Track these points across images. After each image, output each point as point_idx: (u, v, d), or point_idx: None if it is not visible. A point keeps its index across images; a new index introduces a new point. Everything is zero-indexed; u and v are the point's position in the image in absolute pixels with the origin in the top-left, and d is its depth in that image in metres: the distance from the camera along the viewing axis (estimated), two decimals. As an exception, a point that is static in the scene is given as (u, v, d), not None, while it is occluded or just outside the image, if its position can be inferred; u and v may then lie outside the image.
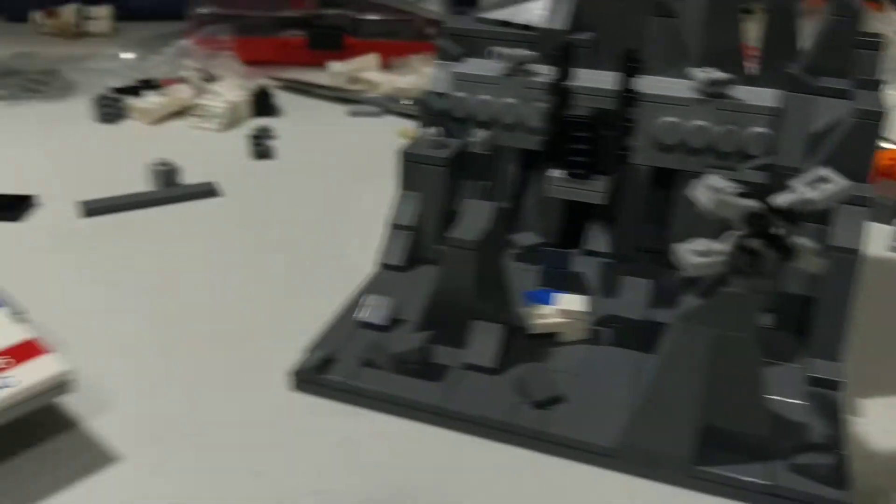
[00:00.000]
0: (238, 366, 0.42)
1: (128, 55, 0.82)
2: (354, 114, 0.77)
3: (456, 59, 0.50)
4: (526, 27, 0.50)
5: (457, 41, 0.51)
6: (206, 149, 0.68)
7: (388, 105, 0.77)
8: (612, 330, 0.43)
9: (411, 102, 0.76)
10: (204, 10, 0.85)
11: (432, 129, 0.48)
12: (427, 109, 0.50)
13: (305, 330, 0.42)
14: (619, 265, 0.48)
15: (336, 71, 0.83)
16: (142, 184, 0.60)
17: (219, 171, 0.63)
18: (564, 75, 0.43)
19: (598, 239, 0.50)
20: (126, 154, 0.67)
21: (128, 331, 0.44)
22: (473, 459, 0.36)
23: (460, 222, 0.40)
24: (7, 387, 0.33)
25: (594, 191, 0.44)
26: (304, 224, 0.57)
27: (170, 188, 0.60)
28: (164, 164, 0.60)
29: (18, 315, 0.38)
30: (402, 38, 0.88)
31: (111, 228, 0.55)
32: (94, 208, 0.56)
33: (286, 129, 0.71)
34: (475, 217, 0.40)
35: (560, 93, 0.44)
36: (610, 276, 0.47)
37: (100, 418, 0.37)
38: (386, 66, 0.86)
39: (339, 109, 0.78)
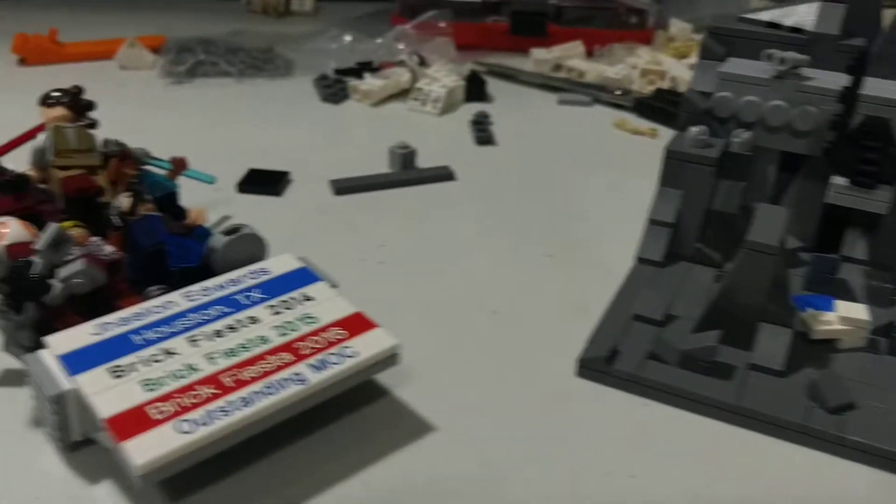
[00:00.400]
0: (520, 347, 0.44)
1: (346, 37, 0.85)
2: (563, 102, 0.78)
3: (720, 58, 0.51)
4: (796, 30, 0.50)
5: (720, 41, 0.51)
6: (428, 132, 0.71)
7: (598, 95, 0.78)
8: (890, 339, 0.43)
9: (621, 93, 0.77)
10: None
11: (696, 128, 0.49)
12: (690, 107, 0.51)
13: (572, 316, 0.45)
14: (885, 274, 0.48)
15: (540, 58, 0.84)
16: (378, 163, 0.63)
17: (446, 154, 0.65)
18: (857, 83, 0.43)
19: (855, 245, 0.50)
20: (355, 133, 0.70)
21: (403, 304, 0.47)
22: (770, 459, 0.37)
23: (755, 226, 0.41)
24: (350, 357, 0.36)
25: (879, 200, 0.44)
26: (542, 212, 0.58)
27: (409, 170, 0.62)
28: (404, 146, 0.63)
29: (334, 287, 0.41)
30: (603, 26, 0.89)
31: (361, 206, 0.58)
32: (343, 187, 0.60)
33: (499, 115, 0.73)
34: (768, 221, 0.41)
35: (848, 100, 0.44)
36: (882, 285, 0.47)
37: (405, 389, 0.40)
38: (587, 54, 0.87)
39: (547, 97, 0.79)
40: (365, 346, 0.37)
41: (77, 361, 0.34)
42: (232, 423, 0.32)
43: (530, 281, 0.50)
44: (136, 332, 0.36)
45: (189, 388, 0.33)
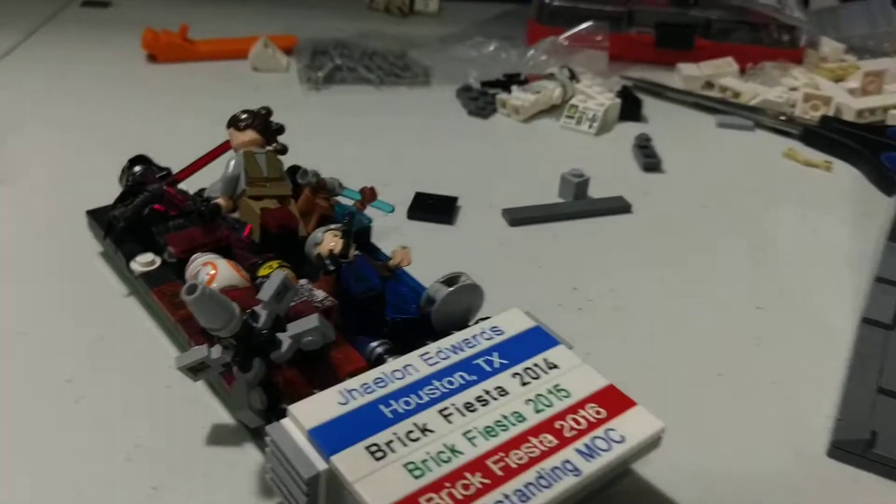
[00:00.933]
0: (754, 418, 0.40)
1: (490, 46, 0.82)
2: (723, 125, 0.73)
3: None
4: None
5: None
6: (587, 154, 0.67)
7: (758, 119, 0.73)
8: None
9: (785, 118, 0.72)
10: (556, 2, 0.84)
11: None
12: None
13: (802, 381, 0.41)
14: None
15: (689, 74, 0.80)
16: (542, 188, 0.60)
17: (613, 181, 0.62)
18: None
19: None
20: (511, 153, 0.67)
21: (616, 362, 0.44)
22: None
23: None
24: (617, 442, 0.33)
25: None
26: (735, 252, 0.54)
27: (582, 200, 0.59)
28: (578, 174, 0.59)
29: (570, 349, 0.38)
30: (754, 43, 0.84)
31: (540, 240, 0.55)
32: (519, 218, 0.56)
33: (657, 137, 0.69)
34: None
35: None
36: None
37: (645, 464, 0.37)
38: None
39: (703, 118, 0.75)
40: (630, 429, 0.33)
41: (330, 437, 0.31)
42: (514, 522, 0.29)
43: (747, 338, 0.46)
44: (383, 401, 0.33)
45: (458, 474, 0.30)
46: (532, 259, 0.52)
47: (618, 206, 0.58)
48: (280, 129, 0.48)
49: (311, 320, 0.35)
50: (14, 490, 0.34)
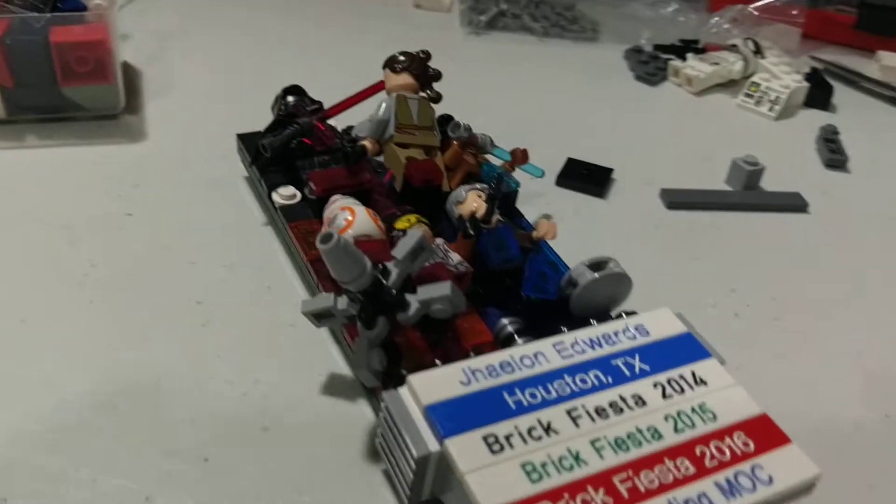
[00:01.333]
0: None
1: (670, 7, 0.76)
2: (926, 127, 0.65)
3: None
4: None
5: None
6: (763, 140, 0.61)
7: (969, 124, 0.64)
8: None
9: None
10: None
11: None
12: None
13: None
14: None
15: (890, 64, 0.71)
16: (708, 171, 0.55)
17: (789, 174, 0.56)
18: None
19: None
20: (678, 127, 0.62)
21: (770, 380, 0.39)
22: None
23: None
24: (763, 482, 0.29)
25: None
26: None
27: (752, 191, 0.53)
28: (752, 162, 0.53)
29: (723, 364, 0.34)
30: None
31: (699, 229, 0.50)
32: (678, 202, 0.52)
33: (845, 130, 0.62)
34: None
35: None
36: None
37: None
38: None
39: (899, 115, 0.67)
40: (780, 470, 0.29)
41: (448, 418, 0.29)
42: (635, 552, 0.26)
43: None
44: (508, 388, 0.31)
45: (579, 486, 0.28)
46: (688, 249, 0.48)
47: (793, 204, 0.53)
48: (437, 76, 0.45)
49: (444, 287, 0.33)
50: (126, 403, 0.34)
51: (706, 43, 0.71)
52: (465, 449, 0.28)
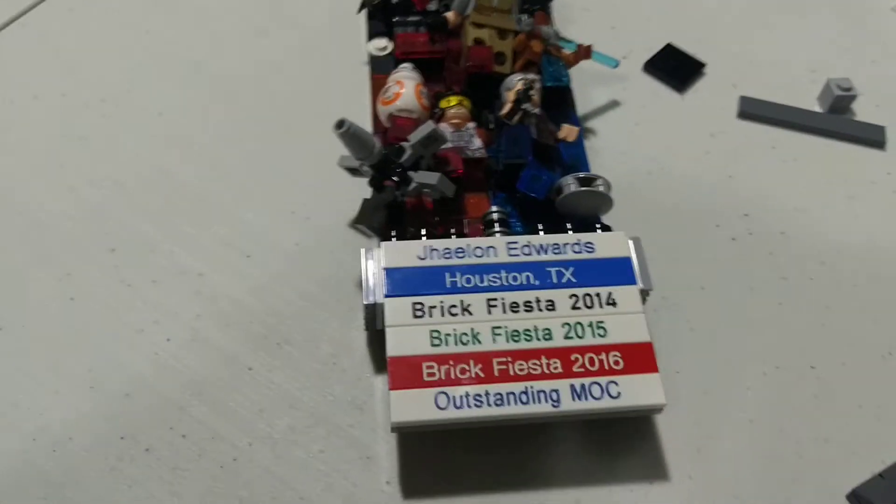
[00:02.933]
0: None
1: None
2: None
3: None
4: None
5: None
6: (890, 55, 0.58)
7: None
8: None
9: None
10: None
11: None
12: None
13: None
14: None
15: None
16: (806, 84, 0.55)
17: (888, 105, 0.54)
18: None
19: None
20: (787, 20, 0.59)
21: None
22: None
23: None
24: (611, 397, 0.37)
25: None
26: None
27: (838, 115, 0.53)
28: (846, 87, 0.53)
29: (647, 294, 0.40)
30: None
31: (757, 146, 0.52)
32: (752, 113, 0.53)
33: None
34: None
35: None
36: None
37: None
38: None
39: None
40: (631, 391, 0.37)
41: (394, 282, 0.39)
42: (480, 415, 0.36)
43: None
44: (451, 270, 0.40)
45: (463, 358, 0.37)
46: (731, 166, 0.51)
47: (869, 138, 0.53)
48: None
49: (434, 177, 0.41)
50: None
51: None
52: (396, 309, 0.38)
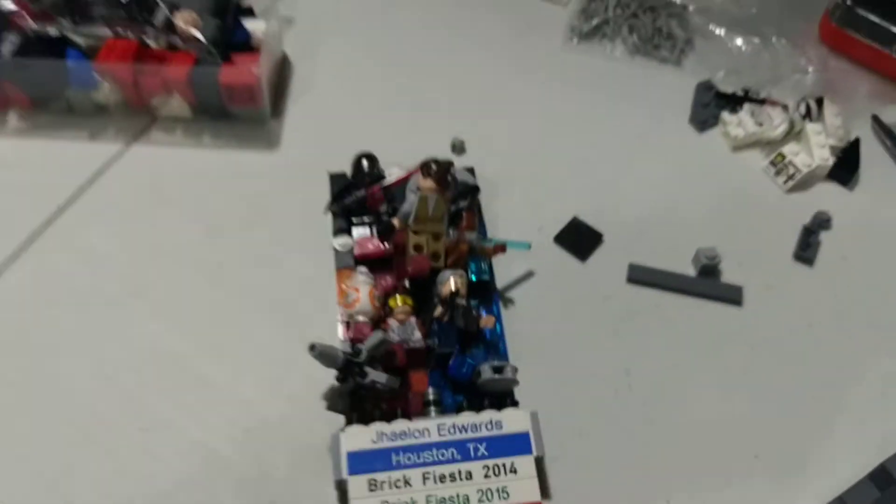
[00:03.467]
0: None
1: (754, 39, 0.81)
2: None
3: None
4: None
5: None
6: (765, 215, 0.72)
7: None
8: None
9: None
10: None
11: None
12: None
13: None
14: None
15: (948, 141, 0.76)
16: (691, 243, 0.69)
17: (760, 258, 0.69)
18: None
19: None
20: (697, 188, 0.73)
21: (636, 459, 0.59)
22: None
23: None
24: (511, 546, 0.52)
25: None
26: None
27: (706, 278, 0.68)
28: (712, 256, 0.67)
29: (540, 458, 0.55)
30: None
31: (642, 307, 0.66)
32: (638, 278, 0.68)
33: (857, 211, 0.72)
34: None
35: None
36: None
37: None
38: None
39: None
40: (524, 541, 0.52)
41: (356, 462, 0.54)
42: (417, 566, 0.51)
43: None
44: (396, 451, 0.54)
45: (405, 522, 0.52)
46: (618, 326, 0.65)
47: (728, 296, 0.67)
48: (464, 189, 0.64)
49: (383, 376, 0.56)
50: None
51: (767, 97, 0.78)
52: (357, 484, 0.53)
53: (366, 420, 0.56)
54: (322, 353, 0.54)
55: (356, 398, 0.57)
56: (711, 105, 0.78)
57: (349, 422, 0.56)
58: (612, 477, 0.58)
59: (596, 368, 0.63)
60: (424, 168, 0.63)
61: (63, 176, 0.71)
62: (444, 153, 0.72)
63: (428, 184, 0.63)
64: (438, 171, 0.63)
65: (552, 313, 0.66)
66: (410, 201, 0.63)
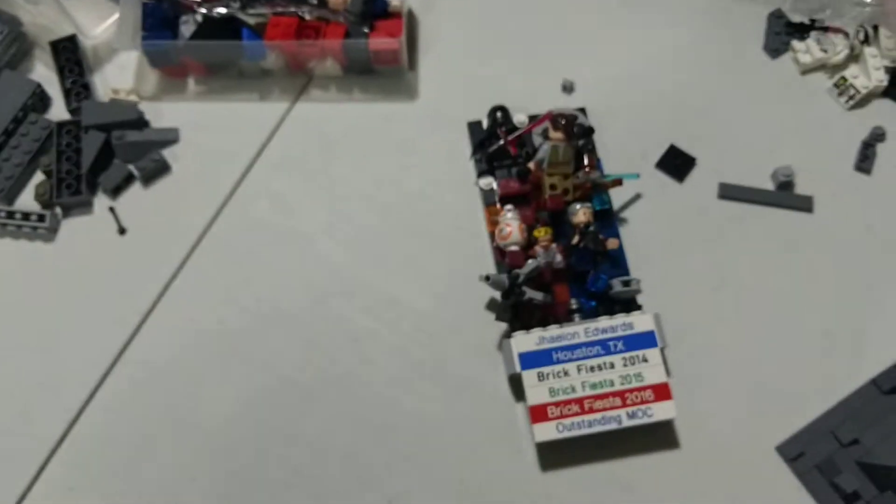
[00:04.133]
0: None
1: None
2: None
3: None
4: None
5: None
6: (827, 132, 0.86)
7: None
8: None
9: None
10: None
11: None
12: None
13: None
14: None
15: None
16: (776, 159, 0.83)
17: (822, 170, 0.83)
18: None
19: None
20: (770, 108, 0.87)
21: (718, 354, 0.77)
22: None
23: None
24: (648, 416, 0.70)
25: None
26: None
27: (783, 191, 0.83)
28: (787, 173, 0.82)
29: (664, 349, 0.73)
30: None
31: (730, 219, 0.82)
32: (728, 194, 0.83)
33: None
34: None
35: None
36: None
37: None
38: None
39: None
40: (659, 412, 0.71)
41: (526, 360, 0.72)
42: (582, 433, 0.70)
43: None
44: (556, 350, 0.72)
45: (569, 402, 0.71)
46: (713, 236, 0.81)
47: (798, 202, 0.82)
48: (581, 134, 0.78)
49: (537, 294, 0.73)
50: (403, 301, 0.80)
51: (829, 23, 0.89)
52: (529, 377, 0.71)
53: (526, 327, 0.74)
54: (494, 282, 0.72)
55: (517, 310, 0.75)
56: (782, 33, 0.90)
57: (513, 329, 0.74)
58: (716, 357, 0.76)
59: (696, 271, 0.80)
60: (554, 121, 0.77)
61: (247, 134, 0.86)
62: (557, 93, 0.86)
63: (558, 135, 0.77)
64: (566, 124, 0.77)
65: (659, 228, 0.82)
66: (544, 149, 0.77)
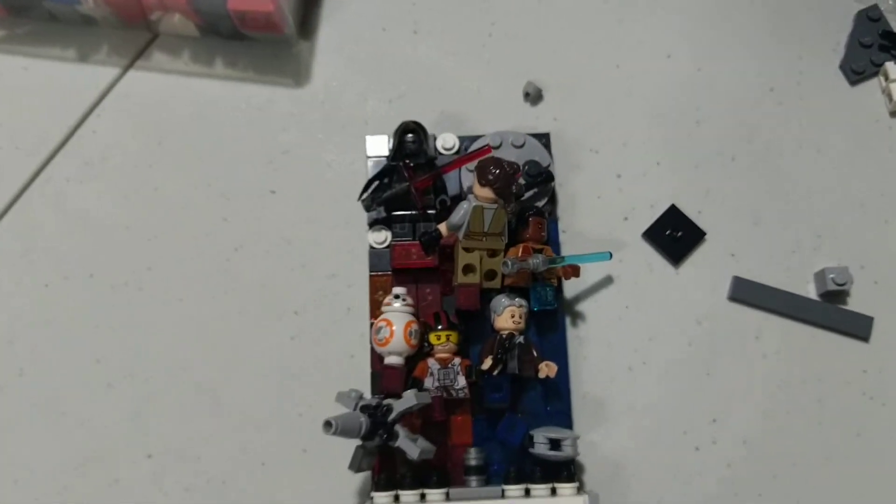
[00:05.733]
0: None
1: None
2: None
3: None
4: None
5: None
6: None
7: None
8: None
9: None
10: None
11: None
12: None
13: None
14: None
15: None
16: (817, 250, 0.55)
17: (886, 281, 0.55)
18: None
19: None
20: (837, 162, 0.57)
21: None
22: None
23: None
24: None
25: None
26: None
27: (830, 304, 0.54)
28: (842, 281, 0.53)
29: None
30: None
31: (743, 334, 0.54)
32: (741, 297, 0.54)
33: None
34: None
35: None
36: None
37: None
38: None
39: None
40: None
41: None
42: None
43: None
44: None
45: None
46: (713, 358, 0.53)
47: (856, 328, 0.54)
48: (518, 196, 0.49)
49: (413, 448, 0.46)
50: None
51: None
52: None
53: (394, 483, 0.48)
54: (342, 430, 0.45)
55: (384, 454, 0.49)
56: (874, 46, 0.59)
57: (377, 485, 0.48)
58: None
59: (677, 421, 0.52)
60: (482, 172, 0.49)
61: (50, 110, 0.58)
62: (516, 98, 0.57)
63: (485, 193, 0.49)
64: (500, 179, 0.48)
65: (631, 338, 0.54)
66: (463, 210, 0.49)
